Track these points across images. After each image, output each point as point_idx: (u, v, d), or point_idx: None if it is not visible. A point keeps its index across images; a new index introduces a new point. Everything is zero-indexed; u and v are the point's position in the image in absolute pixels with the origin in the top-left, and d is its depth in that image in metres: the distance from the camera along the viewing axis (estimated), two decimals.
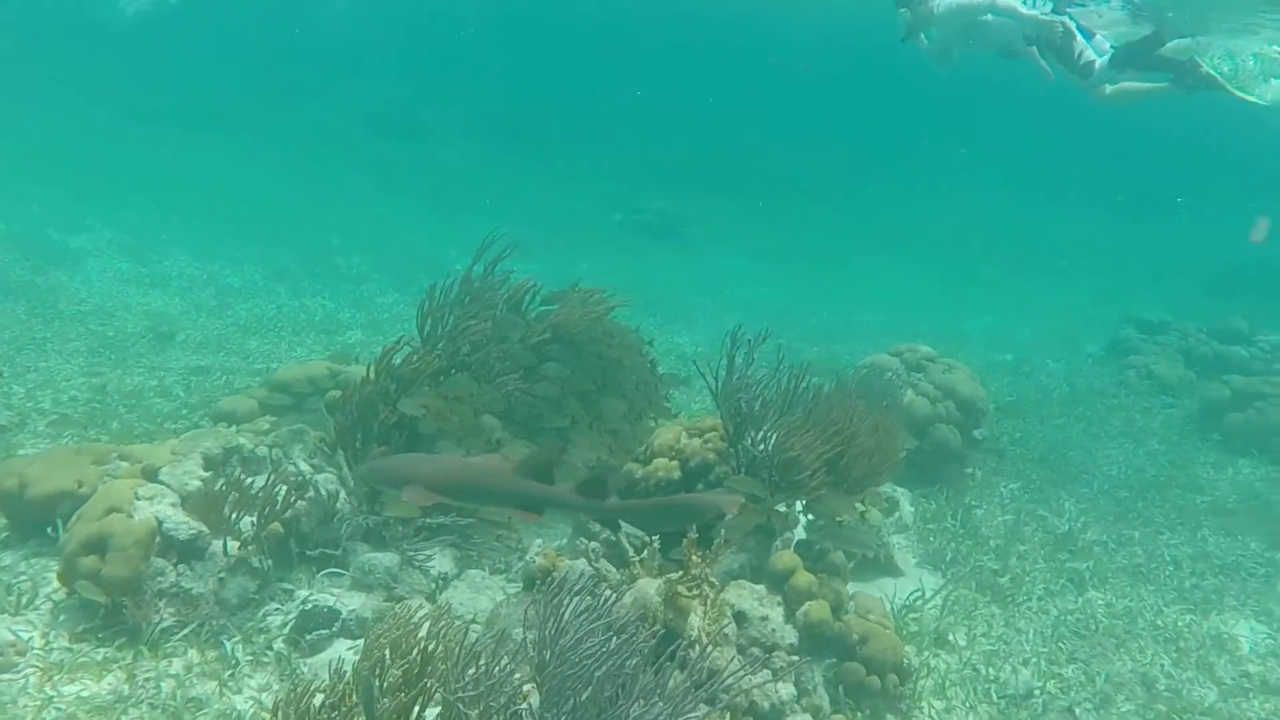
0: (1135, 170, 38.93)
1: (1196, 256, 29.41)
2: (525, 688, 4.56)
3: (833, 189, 33.70)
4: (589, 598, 6.30)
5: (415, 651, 4.52)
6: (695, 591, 5.96)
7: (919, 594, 8.31)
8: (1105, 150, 38.08)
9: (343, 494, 7.51)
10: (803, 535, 8.28)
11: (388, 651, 4.56)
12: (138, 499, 6.41)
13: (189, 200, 22.01)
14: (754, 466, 7.74)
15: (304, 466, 7.56)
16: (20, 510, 6.94)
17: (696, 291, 21.18)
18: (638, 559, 6.58)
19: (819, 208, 30.95)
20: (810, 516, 8.14)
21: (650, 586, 5.96)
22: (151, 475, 6.89)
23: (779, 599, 6.76)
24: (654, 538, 6.65)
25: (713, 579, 5.95)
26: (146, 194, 22.18)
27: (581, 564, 6.92)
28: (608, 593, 6.11)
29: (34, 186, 20.96)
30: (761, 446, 7.77)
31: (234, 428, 8.77)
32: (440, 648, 4.56)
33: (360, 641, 6.21)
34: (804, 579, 6.79)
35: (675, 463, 7.44)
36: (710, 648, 5.68)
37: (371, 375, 7.89)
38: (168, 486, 6.71)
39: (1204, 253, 29.14)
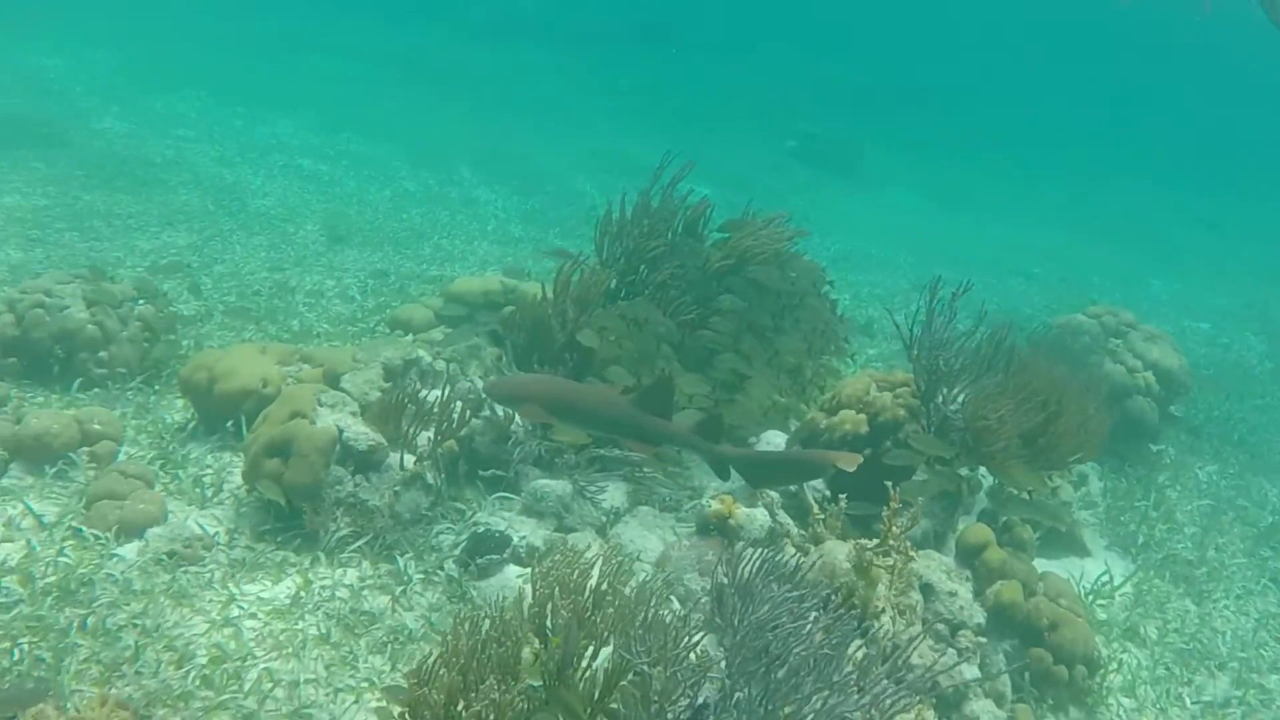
0: None
1: None
2: (705, 647, 4.30)
3: (1015, 139, 31.93)
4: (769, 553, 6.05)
5: (587, 593, 4.35)
6: (886, 560, 5.62)
7: (1106, 577, 7.76)
8: None
9: (517, 415, 7.38)
10: (985, 503, 7.84)
11: (557, 589, 4.39)
12: (320, 405, 6.40)
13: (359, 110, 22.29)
14: (944, 427, 7.32)
15: (480, 384, 7.45)
16: (208, 403, 7.05)
17: (870, 228, 20.41)
18: (821, 516, 6.26)
19: (997, 157, 29.35)
20: (993, 483, 7.69)
21: (840, 551, 5.65)
22: (333, 381, 6.89)
23: (967, 573, 6.37)
24: (842, 495, 6.32)
25: (911, 550, 5.58)
26: (328, 96, 22.51)
27: (760, 514, 6.65)
28: (791, 552, 5.85)
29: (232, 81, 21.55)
30: (954, 407, 7.33)
31: (410, 336, 8.77)
32: (609, 588, 4.38)
33: (529, 570, 6.11)
34: (996, 556, 6.38)
35: (863, 416, 7.06)
36: (898, 622, 5.36)
37: (548, 294, 7.70)
38: (349, 394, 6.70)
39: None
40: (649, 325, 7.68)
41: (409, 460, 6.62)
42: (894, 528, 5.50)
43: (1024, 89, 35.69)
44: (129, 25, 24.24)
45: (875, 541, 5.69)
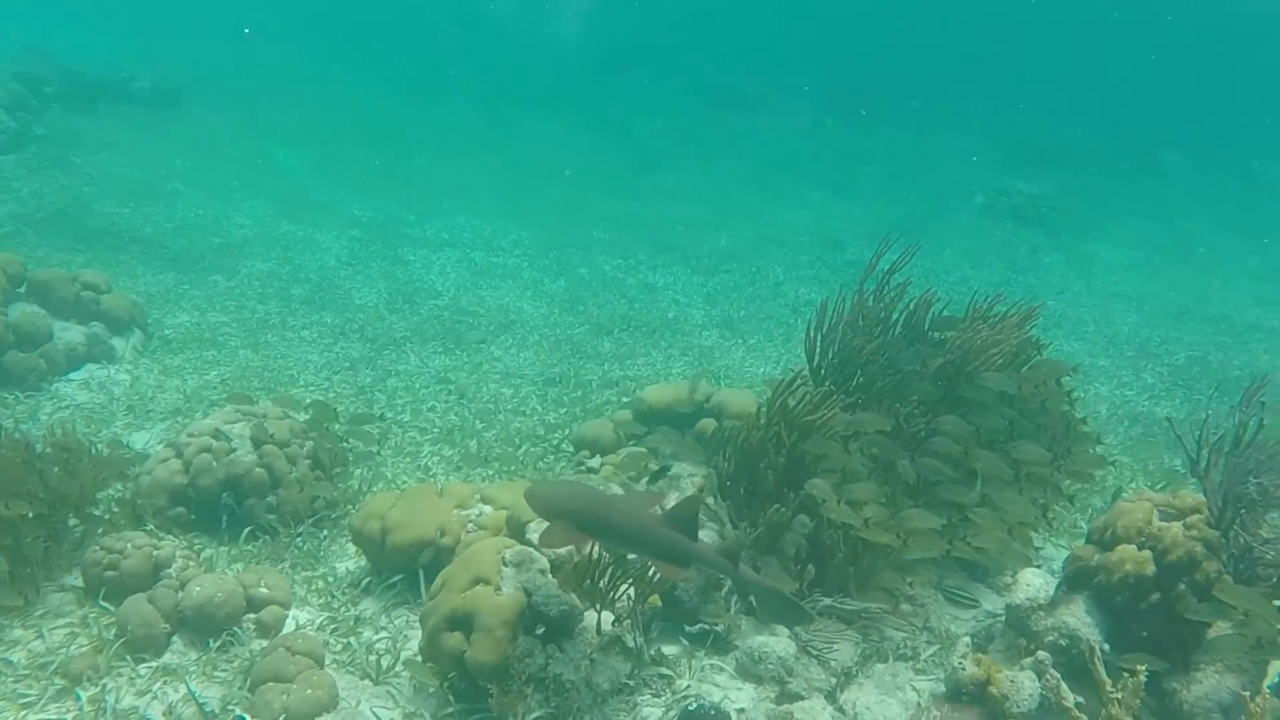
0: None
1: None
2: None
3: (1212, 169, 29.42)
4: None
5: None
6: None
7: None
8: None
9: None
10: None
11: None
12: (504, 565, 5.61)
13: (526, 184, 22.12)
14: (1251, 566, 5.98)
15: None
16: (381, 555, 6.40)
17: (1077, 286, 18.76)
18: (1116, 695, 5.03)
19: (1197, 195, 26.98)
20: None
21: None
22: (517, 529, 6.13)
23: None
24: (1145, 666, 5.09)
25: None
26: (489, 175, 22.50)
27: (1027, 679, 5.48)
28: None
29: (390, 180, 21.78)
30: (1265, 540, 6.00)
31: (597, 460, 7.98)
32: None
33: None
34: None
35: (1147, 554, 5.80)
36: None
37: (761, 419, 6.76)
38: (536, 548, 5.90)
39: None
40: (879, 442, 6.65)
41: (607, 620, 5.77)
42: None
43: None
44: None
45: None
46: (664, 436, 8.39)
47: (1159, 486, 9.16)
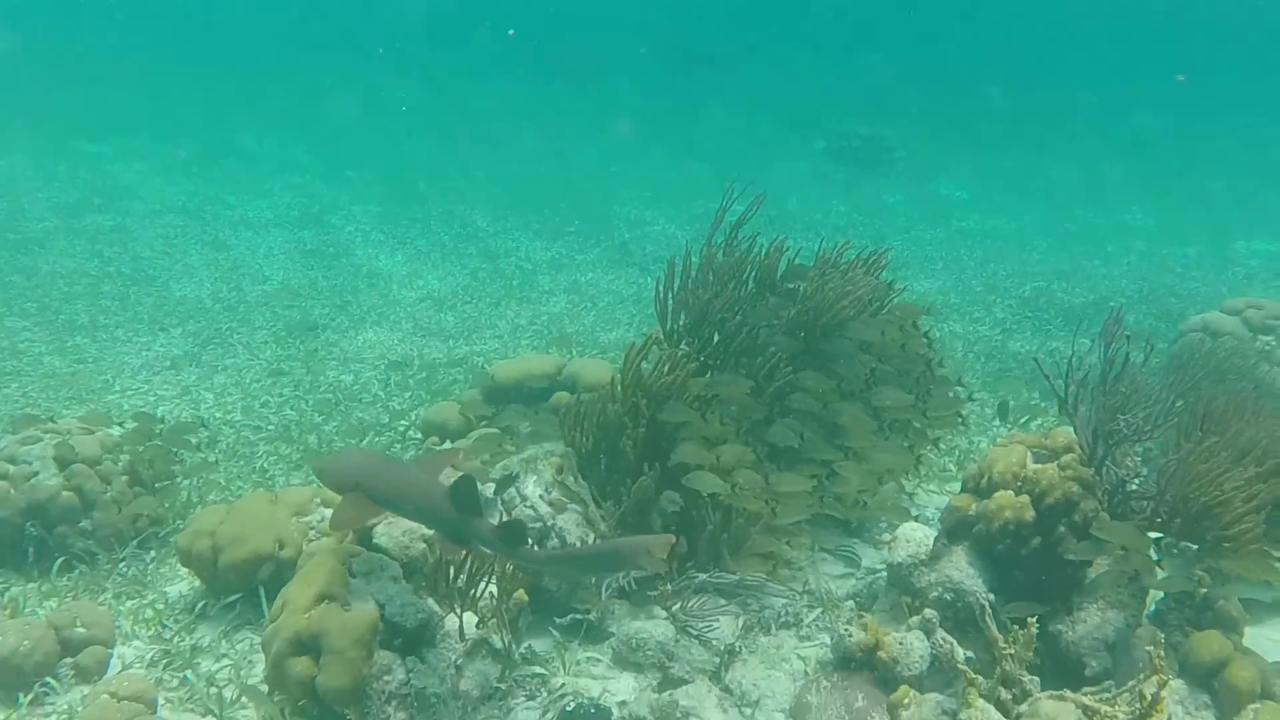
0: None
1: None
2: None
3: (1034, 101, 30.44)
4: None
5: None
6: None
7: None
8: None
9: (592, 540, 6.12)
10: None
11: None
12: (352, 575, 5.15)
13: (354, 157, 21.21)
14: (1124, 500, 6.00)
15: (542, 506, 6.20)
16: (215, 576, 5.84)
17: (921, 225, 19.07)
18: (1010, 650, 4.92)
19: (1049, 136, 27.79)
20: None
21: (1066, 716, 4.30)
22: (365, 535, 5.64)
23: (1205, 699, 5.05)
24: (1035, 617, 4.99)
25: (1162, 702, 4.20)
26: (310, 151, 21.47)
27: (915, 640, 5.33)
28: (980, 707, 4.56)
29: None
30: (1135, 476, 6.02)
31: (447, 443, 7.53)
32: None
33: None
34: (1244, 675, 5.01)
35: (1025, 498, 5.72)
36: None
37: (617, 390, 6.43)
38: (386, 552, 5.45)
39: None
40: (740, 405, 6.39)
41: (470, 623, 5.39)
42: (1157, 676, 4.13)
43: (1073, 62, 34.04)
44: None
45: (1099, 693, 4.37)
46: (515, 414, 8.00)
47: (1021, 421, 9.27)
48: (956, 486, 8.27)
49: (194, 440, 7.34)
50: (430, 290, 13.12)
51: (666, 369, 6.29)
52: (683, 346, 6.93)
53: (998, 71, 32.51)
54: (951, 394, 7.28)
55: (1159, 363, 10.22)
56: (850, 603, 6.15)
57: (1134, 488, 5.96)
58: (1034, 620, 4.88)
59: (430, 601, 5.25)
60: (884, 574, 6.54)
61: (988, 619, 4.87)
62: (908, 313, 7.12)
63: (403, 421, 8.59)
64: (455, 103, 26.97)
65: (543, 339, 11.32)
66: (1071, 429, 6.22)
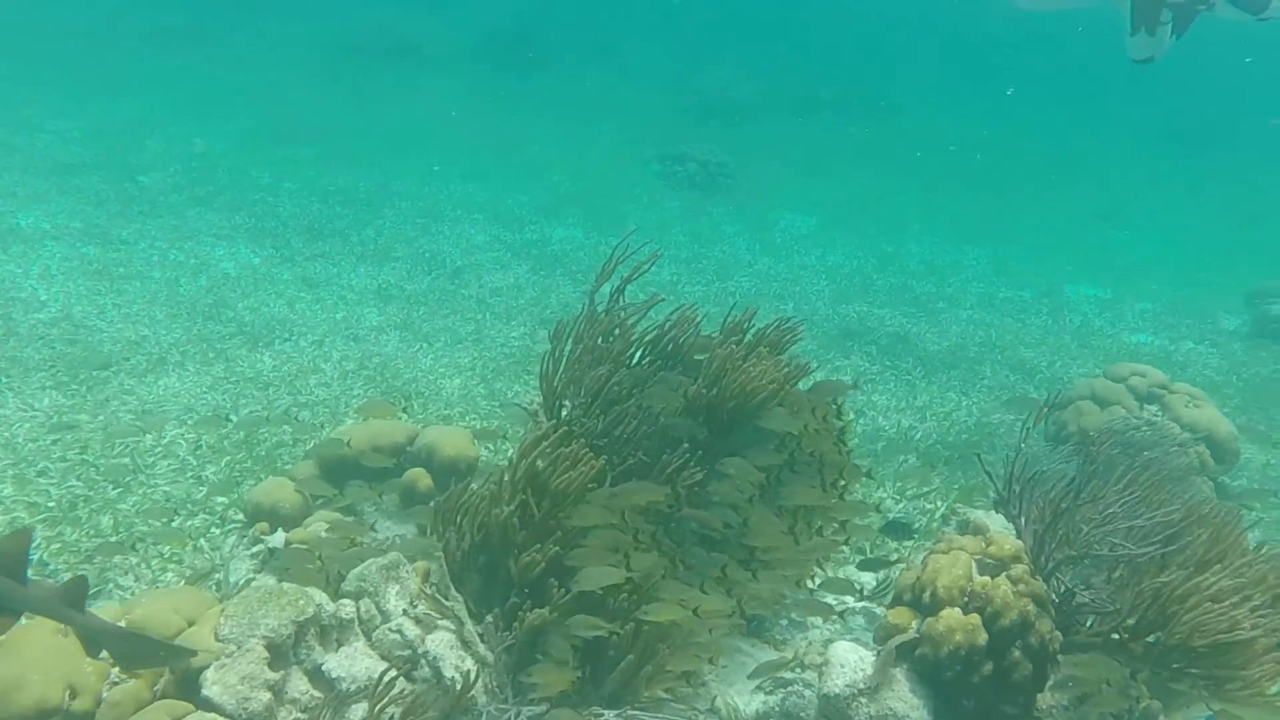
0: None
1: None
2: None
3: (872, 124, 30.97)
4: None
5: None
6: None
7: None
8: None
9: (470, 666, 5.19)
10: None
11: None
12: None
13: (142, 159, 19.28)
14: (1072, 615, 5.54)
15: (409, 626, 5.22)
16: None
17: (765, 258, 18.77)
18: None
19: (889, 165, 28.21)
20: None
21: None
22: (189, 686, 4.55)
23: None
24: None
25: None
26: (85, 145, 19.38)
27: None
28: None
29: None
30: (1084, 587, 5.57)
31: (279, 536, 6.42)
32: None
33: None
34: None
35: (975, 618, 5.16)
36: None
37: (503, 489, 5.53)
38: (220, 711, 4.38)
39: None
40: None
41: None
42: None
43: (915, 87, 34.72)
44: None
45: None
46: (358, 493, 6.98)
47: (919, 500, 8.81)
48: (851, 569, 7.76)
49: None
50: (242, 324, 11.75)
51: (565, 465, 5.45)
52: (568, 428, 6.11)
53: (834, 95, 32.84)
54: (859, 493, 6.77)
55: (1039, 429, 10.03)
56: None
57: (1081, 600, 5.50)
58: None
59: None
60: (797, 688, 5.91)
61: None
62: (827, 394, 6.50)
63: (220, 498, 7.36)
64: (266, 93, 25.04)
65: (376, 387, 10.20)
66: (1014, 532, 5.74)
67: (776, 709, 5.86)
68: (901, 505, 8.86)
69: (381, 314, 12.82)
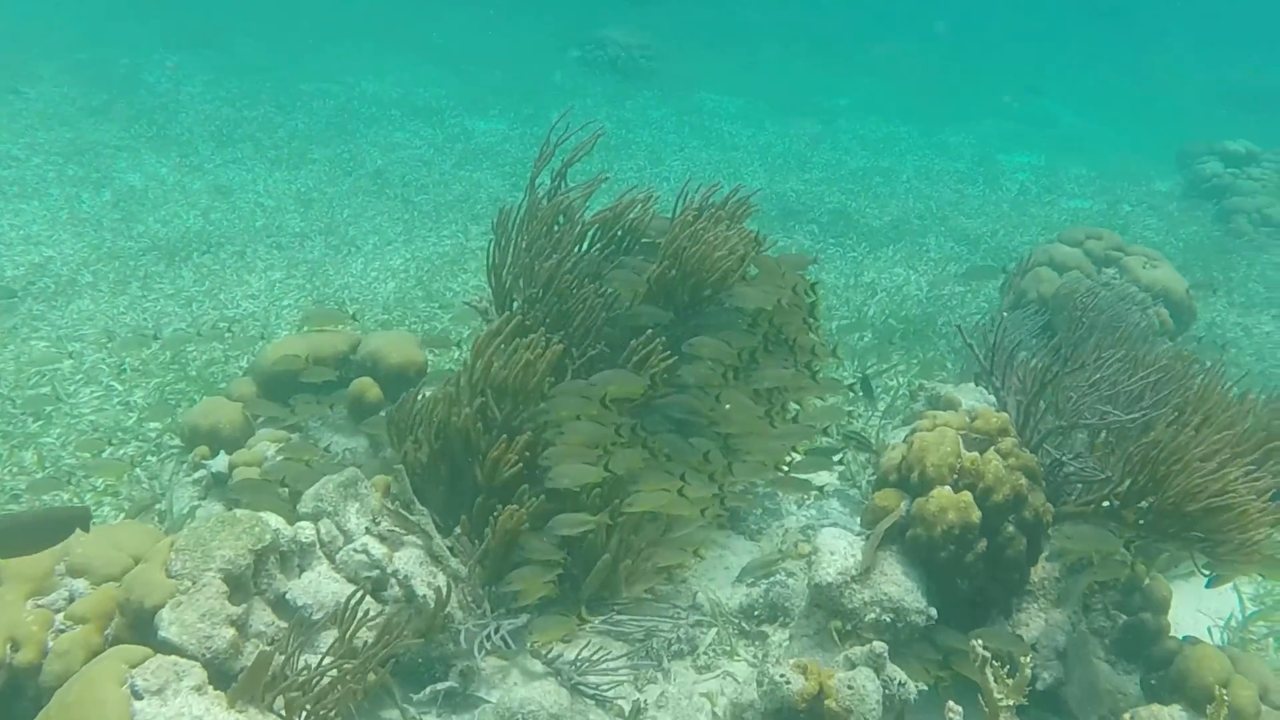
0: None
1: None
2: None
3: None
4: None
5: None
6: None
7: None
8: None
9: (441, 581, 4.93)
10: None
11: None
12: (137, 697, 3.74)
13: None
14: (1060, 485, 5.42)
15: (374, 545, 4.92)
16: None
17: (695, 142, 18.33)
18: (1003, 699, 4.16)
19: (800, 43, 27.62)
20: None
21: None
22: (139, 620, 4.21)
23: None
24: (1028, 655, 4.24)
25: None
26: None
27: (865, 679, 4.50)
28: None
29: None
30: (1071, 456, 5.43)
31: (222, 460, 6.04)
32: None
33: None
34: (1246, 695, 4.49)
35: (967, 496, 4.99)
36: None
37: (461, 391, 5.20)
38: (180, 650, 4.05)
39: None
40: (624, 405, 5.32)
41: None
42: None
43: None
44: None
45: None
46: (307, 408, 6.58)
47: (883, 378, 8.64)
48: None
49: None
50: (154, 237, 11.10)
51: (525, 357, 5.12)
52: (519, 319, 5.78)
53: None
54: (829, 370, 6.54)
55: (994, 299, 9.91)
56: (783, 641, 5.28)
57: (1070, 470, 5.37)
58: (1027, 660, 4.14)
59: (256, 713, 3.92)
60: (780, 578, 5.77)
61: (987, 674, 4.08)
62: (794, 264, 6.19)
63: (153, 424, 6.92)
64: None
65: (307, 296, 9.72)
66: (995, 401, 5.58)
67: (761, 600, 5.72)
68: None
69: (304, 219, 12.22)
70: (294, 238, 11.54)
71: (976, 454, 5.11)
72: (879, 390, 8.22)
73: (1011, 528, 4.96)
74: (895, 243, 13.16)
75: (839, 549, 5.12)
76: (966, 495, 4.97)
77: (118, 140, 14.71)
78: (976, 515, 4.93)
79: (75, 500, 6.12)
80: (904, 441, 5.45)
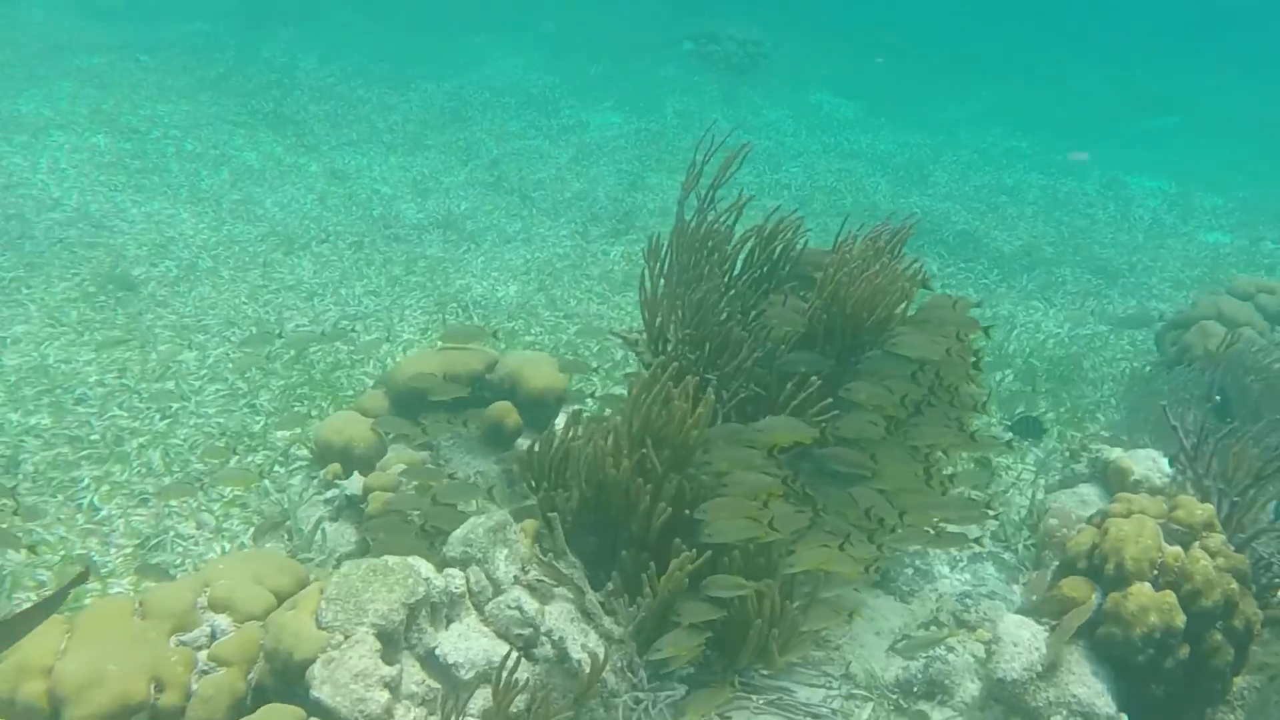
0: None
1: None
2: None
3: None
4: None
5: None
6: None
7: None
8: None
9: (593, 640, 4.66)
10: None
11: None
12: None
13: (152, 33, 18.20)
14: (1268, 589, 4.98)
15: (526, 600, 4.65)
16: None
17: (813, 148, 17.87)
18: None
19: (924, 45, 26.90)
20: None
21: None
22: (287, 669, 3.99)
23: None
24: None
25: None
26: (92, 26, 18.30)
27: None
28: None
29: None
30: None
31: (356, 483, 5.82)
32: None
33: None
34: None
35: (1170, 597, 4.58)
36: None
37: (620, 440, 4.91)
38: (333, 716, 3.83)
39: None
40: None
41: None
42: None
43: None
44: None
45: None
46: (438, 427, 6.34)
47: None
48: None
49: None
50: (273, 222, 11.01)
51: (682, 409, 4.82)
52: (673, 357, 5.50)
53: None
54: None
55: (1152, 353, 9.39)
56: (930, 708, 4.94)
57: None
58: None
59: None
60: (942, 656, 5.41)
61: None
62: (958, 313, 5.80)
63: (281, 433, 6.75)
64: None
65: (429, 295, 9.51)
66: (1194, 490, 5.15)
67: (920, 676, 5.36)
68: (1010, 435, 8.27)
69: (420, 210, 12.06)
70: (411, 230, 11.37)
71: (1180, 550, 4.70)
72: (1025, 445, 7.77)
73: (1219, 636, 4.56)
74: (1029, 271, 12.62)
75: (1022, 640, 4.75)
76: (1170, 596, 4.56)
77: (234, 116, 14.71)
78: (1181, 619, 4.53)
79: (205, 509, 5.96)
80: (1092, 525, 5.06)
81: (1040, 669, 4.61)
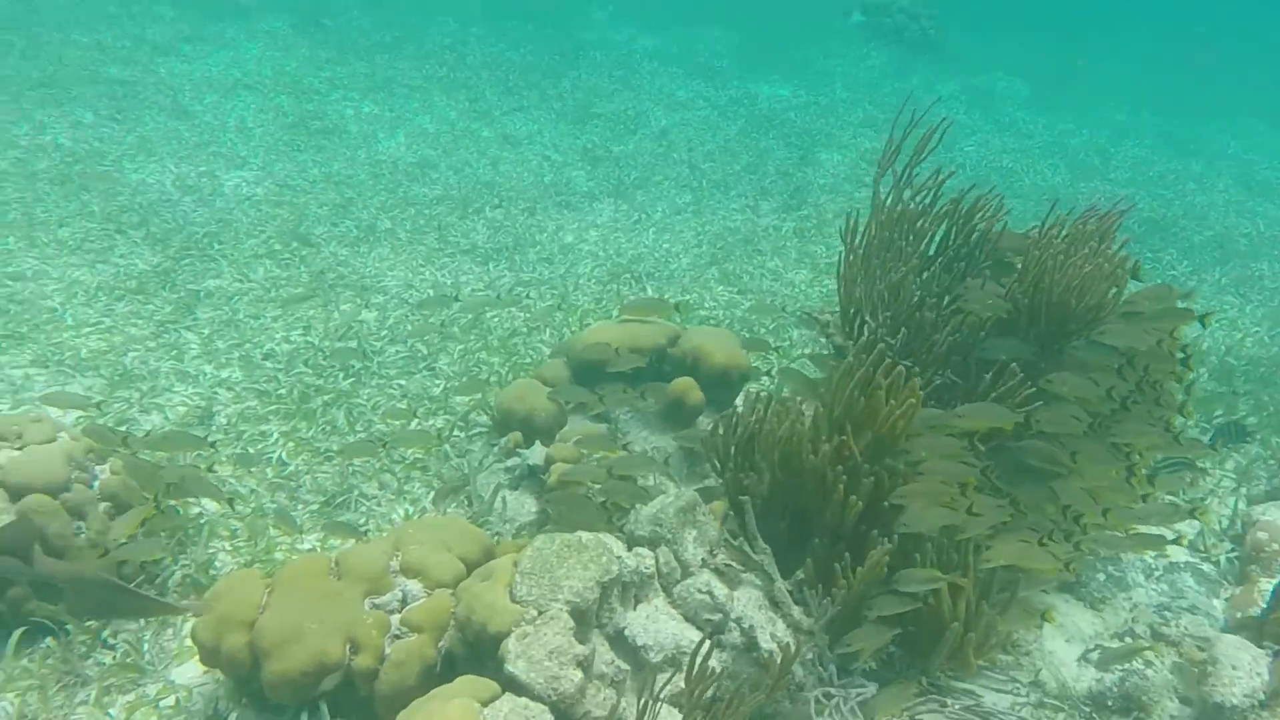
0: None
1: None
2: None
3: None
4: None
5: None
6: None
7: None
8: None
9: (781, 629, 4.50)
10: None
11: None
12: None
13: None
14: None
15: (718, 587, 4.52)
16: (254, 686, 4.13)
17: (986, 128, 17.17)
18: None
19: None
20: None
21: None
22: (478, 639, 3.94)
23: None
24: None
25: None
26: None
27: None
28: None
29: None
30: None
31: (538, 452, 5.77)
32: None
33: None
34: None
35: None
36: None
37: (819, 424, 4.72)
38: (527, 692, 3.76)
39: None
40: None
41: None
42: None
43: None
44: None
45: None
46: (616, 398, 6.23)
47: None
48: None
49: (199, 466, 5.40)
50: (447, 185, 11.12)
51: (890, 407, 4.60)
52: (878, 346, 5.25)
53: None
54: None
55: None
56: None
57: None
58: None
59: None
60: (1140, 670, 5.08)
61: None
62: (1168, 304, 5.42)
63: (461, 398, 6.77)
64: None
65: (601, 265, 9.45)
66: None
67: (1115, 690, 5.04)
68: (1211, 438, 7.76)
69: (591, 178, 12.02)
70: (582, 197, 11.34)
71: None
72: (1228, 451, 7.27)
73: None
74: (1222, 264, 11.87)
75: (1242, 664, 4.41)
76: None
77: (409, 79, 14.93)
78: None
79: (387, 470, 6.02)
80: None
81: (1262, 697, 4.27)
